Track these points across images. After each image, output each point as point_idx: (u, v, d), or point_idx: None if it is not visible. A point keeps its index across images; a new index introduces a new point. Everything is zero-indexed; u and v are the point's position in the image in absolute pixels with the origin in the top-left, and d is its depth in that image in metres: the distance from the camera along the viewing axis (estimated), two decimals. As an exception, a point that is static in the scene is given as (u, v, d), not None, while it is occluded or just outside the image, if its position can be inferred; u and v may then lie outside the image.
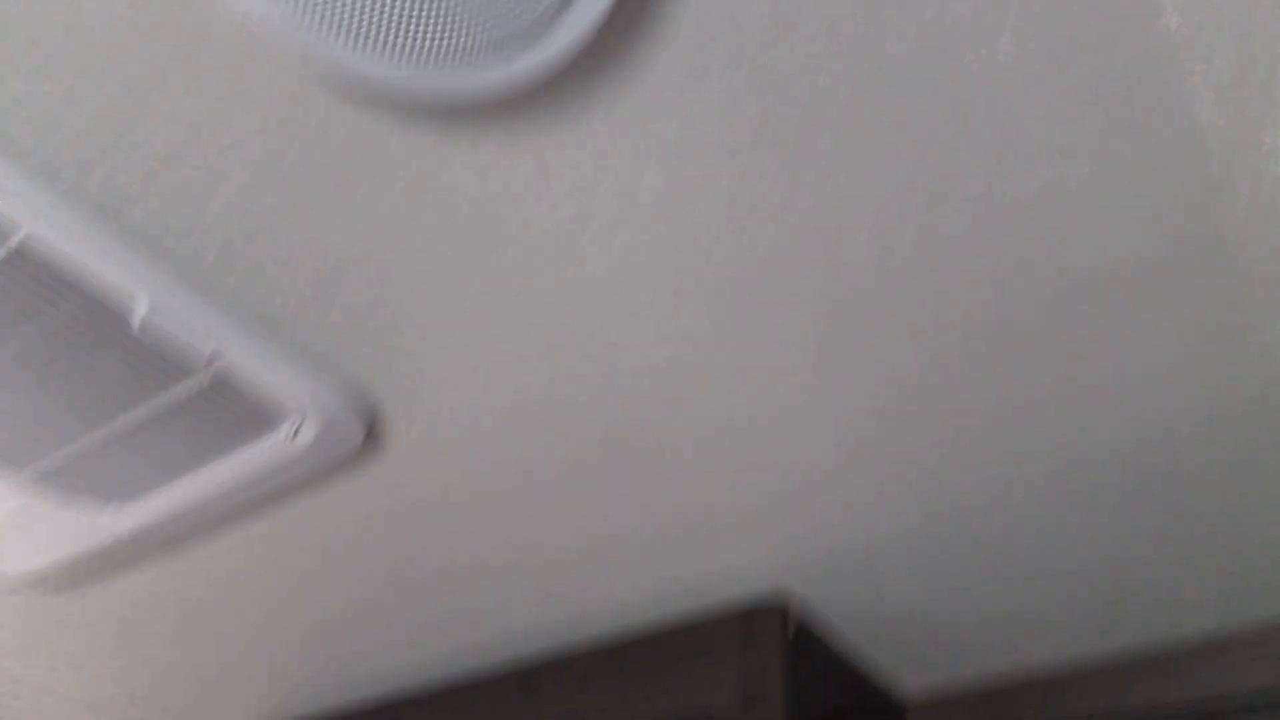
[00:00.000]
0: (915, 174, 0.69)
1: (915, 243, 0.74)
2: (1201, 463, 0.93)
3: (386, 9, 0.58)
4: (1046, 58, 0.63)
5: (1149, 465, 0.94)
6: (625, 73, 0.64)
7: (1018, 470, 0.95)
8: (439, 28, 0.59)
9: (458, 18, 0.59)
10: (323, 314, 0.79)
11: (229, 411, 0.84)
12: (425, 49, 0.60)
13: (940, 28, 0.61)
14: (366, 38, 0.59)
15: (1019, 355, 0.83)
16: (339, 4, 0.57)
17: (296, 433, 0.85)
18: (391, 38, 0.59)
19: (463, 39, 0.60)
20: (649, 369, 0.85)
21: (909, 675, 1.33)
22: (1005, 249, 0.74)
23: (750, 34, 0.62)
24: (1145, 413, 0.88)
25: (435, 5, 0.58)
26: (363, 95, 0.65)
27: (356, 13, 0.58)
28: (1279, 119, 0.66)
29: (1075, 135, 0.67)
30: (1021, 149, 0.68)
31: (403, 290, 0.77)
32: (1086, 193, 0.70)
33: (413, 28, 0.59)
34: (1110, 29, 0.61)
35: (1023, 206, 0.71)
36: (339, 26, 0.58)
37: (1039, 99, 0.65)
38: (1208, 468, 0.94)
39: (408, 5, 0.58)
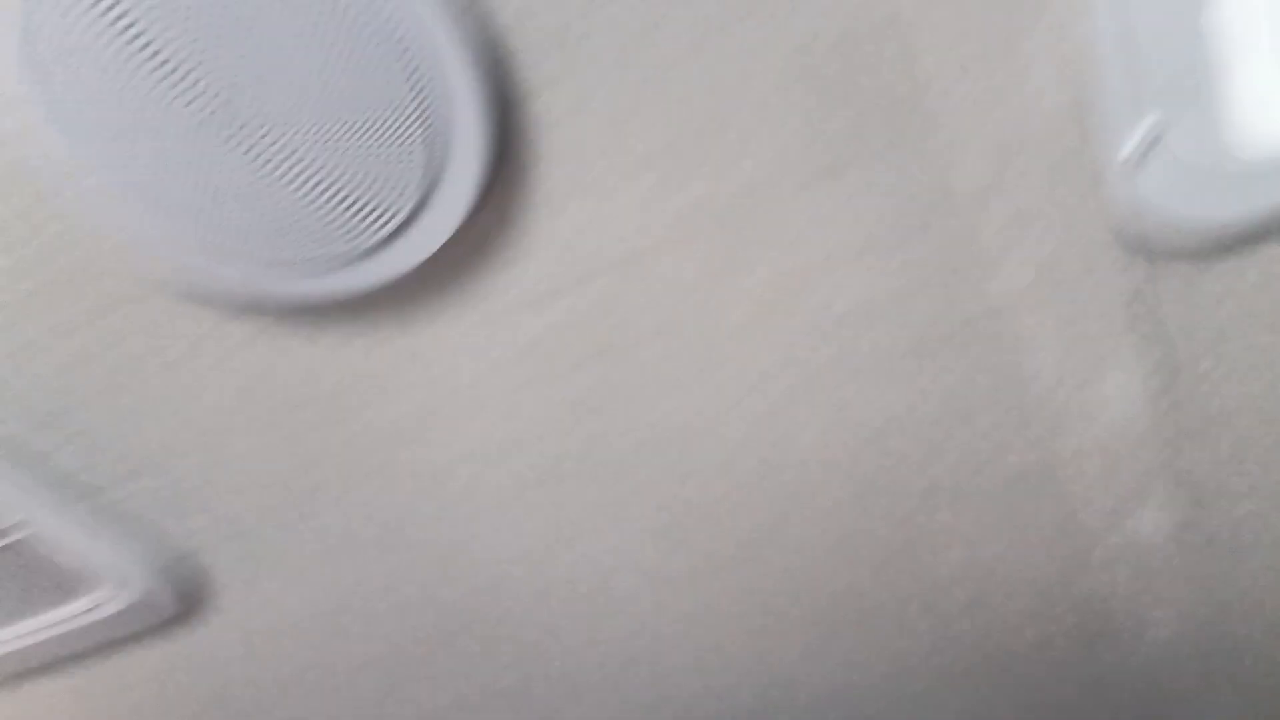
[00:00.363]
0: (761, 391, 0.70)
1: (764, 456, 0.74)
2: (1039, 660, 0.95)
3: (221, 221, 0.55)
4: (883, 309, 0.64)
5: (995, 659, 0.95)
6: (477, 281, 0.63)
7: (875, 661, 0.95)
8: (279, 241, 0.57)
9: (299, 232, 0.57)
10: (146, 487, 0.74)
11: (33, 576, 0.77)
12: (265, 258, 0.58)
13: (782, 274, 0.62)
14: (203, 243, 0.56)
15: (871, 557, 0.84)
16: (173, 216, 0.55)
17: (105, 601, 0.79)
18: (230, 245, 0.57)
19: (305, 250, 0.58)
20: (500, 550, 0.82)
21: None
22: (854, 463, 0.75)
23: (600, 261, 0.61)
24: (991, 612, 0.90)
25: (276, 220, 0.56)
26: (199, 293, 0.62)
27: (191, 222, 0.55)
28: (1105, 369, 0.69)
29: (919, 379, 0.69)
30: (867, 384, 0.69)
31: (236, 469, 0.73)
32: (931, 425, 0.72)
33: (251, 239, 0.56)
34: (949, 291, 0.63)
35: (870, 430, 0.72)
36: (173, 234, 0.56)
37: (882, 338, 0.66)
38: (1044, 663, 0.96)
39: (245, 219, 0.55)
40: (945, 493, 0.77)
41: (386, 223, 0.58)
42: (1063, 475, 0.76)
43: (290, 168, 0.54)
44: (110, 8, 0.47)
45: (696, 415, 0.70)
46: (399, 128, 0.53)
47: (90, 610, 0.80)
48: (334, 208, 0.56)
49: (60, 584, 0.79)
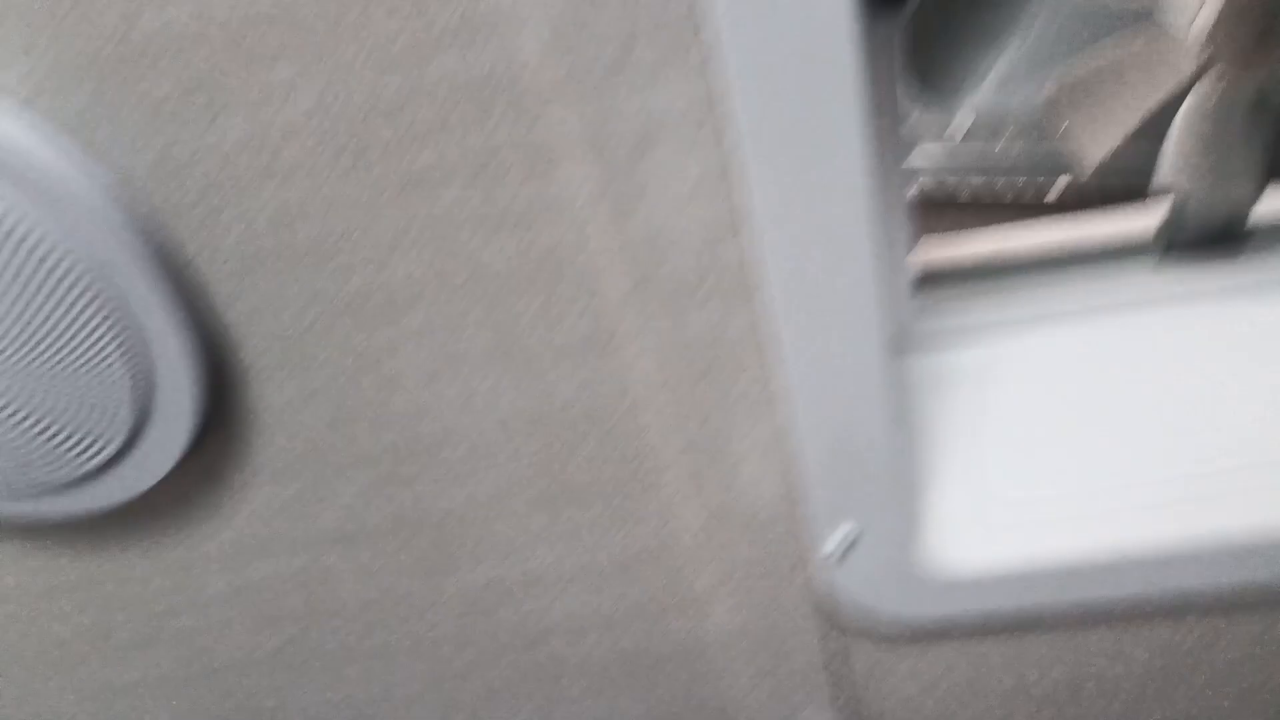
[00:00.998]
0: (457, 680, 0.68)
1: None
2: None
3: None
4: (571, 626, 0.65)
5: None
6: (182, 527, 0.60)
7: None
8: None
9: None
10: None
11: None
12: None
13: (488, 580, 0.62)
14: None
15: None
16: None
17: None
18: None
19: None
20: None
21: None
22: None
23: (309, 536, 0.60)
24: None
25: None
26: None
27: None
28: (799, 715, 0.71)
29: (626, 692, 0.69)
30: (574, 685, 0.69)
31: None
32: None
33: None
34: (661, 622, 0.64)
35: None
36: None
37: (592, 652, 0.67)
38: None
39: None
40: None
41: (88, 460, 0.54)
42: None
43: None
44: None
45: (385, 694, 0.67)
46: (100, 378, 0.51)
47: None
48: (33, 439, 0.53)
49: None
